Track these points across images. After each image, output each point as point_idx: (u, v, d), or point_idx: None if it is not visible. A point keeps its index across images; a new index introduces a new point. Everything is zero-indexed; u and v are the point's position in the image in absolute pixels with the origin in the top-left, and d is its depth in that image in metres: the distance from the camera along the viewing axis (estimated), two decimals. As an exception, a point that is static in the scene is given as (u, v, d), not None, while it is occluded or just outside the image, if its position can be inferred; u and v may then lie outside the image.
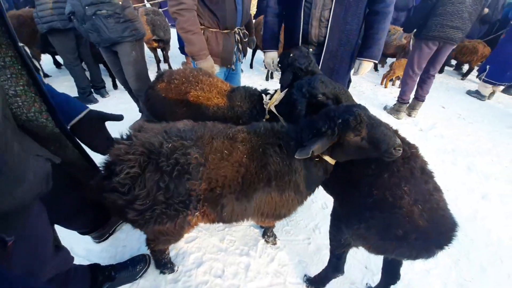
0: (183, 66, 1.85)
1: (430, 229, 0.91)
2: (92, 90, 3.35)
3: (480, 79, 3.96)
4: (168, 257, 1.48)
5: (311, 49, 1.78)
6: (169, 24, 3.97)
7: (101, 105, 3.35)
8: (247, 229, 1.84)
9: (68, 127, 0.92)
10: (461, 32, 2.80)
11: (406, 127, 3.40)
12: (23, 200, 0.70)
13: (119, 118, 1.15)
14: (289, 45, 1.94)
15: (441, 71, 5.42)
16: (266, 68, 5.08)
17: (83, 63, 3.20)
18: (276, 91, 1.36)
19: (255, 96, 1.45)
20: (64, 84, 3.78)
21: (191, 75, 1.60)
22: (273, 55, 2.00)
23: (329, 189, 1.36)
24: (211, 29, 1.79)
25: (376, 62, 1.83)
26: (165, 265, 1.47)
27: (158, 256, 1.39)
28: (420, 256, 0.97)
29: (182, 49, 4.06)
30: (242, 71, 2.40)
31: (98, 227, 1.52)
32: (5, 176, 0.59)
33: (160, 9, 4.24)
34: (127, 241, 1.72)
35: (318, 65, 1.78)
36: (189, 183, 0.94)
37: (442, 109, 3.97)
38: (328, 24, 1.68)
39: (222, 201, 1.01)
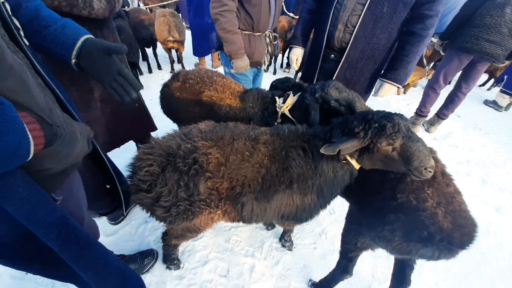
0: (197, 67, 1.90)
1: (453, 231, 0.94)
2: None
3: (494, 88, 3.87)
4: (177, 253, 1.51)
5: (332, 56, 1.75)
6: (185, 26, 4.06)
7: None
8: (253, 230, 1.85)
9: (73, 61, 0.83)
10: (499, 48, 2.57)
11: (420, 136, 3.32)
12: (78, 158, 0.77)
13: (121, 49, 0.86)
14: (314, 45, 1.91)
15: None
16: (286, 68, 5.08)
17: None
18: (289, 94, 1.37)
19: (268, 99, 1.46)
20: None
21: (205, 76, 1.64)
22: (298, 52, 1.95)
23: (347, 194, 1.34)
24: (245, 32, 1.90)
25: (400, 87, 1.66)
26: (173, 261, 1.50)
27: (169, 251, 1.43)
28: (443, 257, 0.98)
29: (195, 51, 4.15)
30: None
31: (115, 209, 1.62)
32: (63, 138, 0.65)
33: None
34: (136, 235, 1.76)
35: (332, 72, 1.75)
36: (210, 181, 0.97)
37: (458, 118, 3.86)
38: (353, 31, 1.58)
39: (242, 200, 1.03)
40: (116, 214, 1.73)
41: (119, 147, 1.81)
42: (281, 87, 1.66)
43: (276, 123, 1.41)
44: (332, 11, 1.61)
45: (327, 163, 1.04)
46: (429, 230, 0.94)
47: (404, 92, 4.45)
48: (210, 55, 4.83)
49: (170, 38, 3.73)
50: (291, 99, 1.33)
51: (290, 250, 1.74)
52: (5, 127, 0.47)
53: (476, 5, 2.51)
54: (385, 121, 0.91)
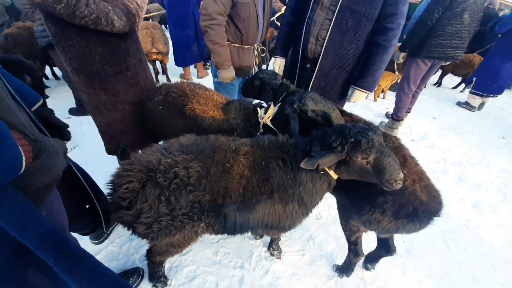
0: (181, 78, 1.93)
1: (430, 202, 1.11)
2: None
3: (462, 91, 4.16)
4: (164, 270, 1.47)
5: (308, 65, 1.86)
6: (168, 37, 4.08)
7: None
8: (241, 241, 1.84)
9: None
10: (461, 50, 2.90)
11: (400, 137, 3.47)
12: (58, 172, 0.81)
13: (63, 126, 1.20)
14: (292, 56, 2.03)
15: (439, 84, 5.59)
16: None
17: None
18: (269, 105, 1.41)
19: (250, 110, 1.50)
20: (63, 95, 3.81)
21: (188, 89, 1.65)
22: (280, 62, 2.09)
23: (335, 188, 1.38)
24: (234, 44, 2.01)
25: (369, 93, 1.80)
26: (159, 279, 1.46)
27: (155, 269, 1.39)
28: (422, 227, 1.14)
29: (177, 61, 4.16)
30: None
31: (96, 228, 1.61)
32: (47, 151, 0.70)
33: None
34: (120, 254, 1.71)
35: (310, 80, 1.84)
36: (192, 195, 0.97)
37: (433, 120, 4.07)
38: (323, 43, 1.70)
39: (224, 211, 1.04)
40: (98, 233, 1.68)
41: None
42: (267, 81, 1.69)
43: (258, 133, 1.44)
44: (304, 26, 1.74)
45: (306, 173, 1.07)
46: (413, 205, 1.09)
47: (383, 97, 4.65)
48: (194, 65, 4.86)
49: (154, 50, 3.73)
50: (272, 110, 1.37)
51: (279, 258, 1.74)
52: (3, 142, 0.51)
53: (435, 17, 2.70)
54: (360, 136, 0.97)
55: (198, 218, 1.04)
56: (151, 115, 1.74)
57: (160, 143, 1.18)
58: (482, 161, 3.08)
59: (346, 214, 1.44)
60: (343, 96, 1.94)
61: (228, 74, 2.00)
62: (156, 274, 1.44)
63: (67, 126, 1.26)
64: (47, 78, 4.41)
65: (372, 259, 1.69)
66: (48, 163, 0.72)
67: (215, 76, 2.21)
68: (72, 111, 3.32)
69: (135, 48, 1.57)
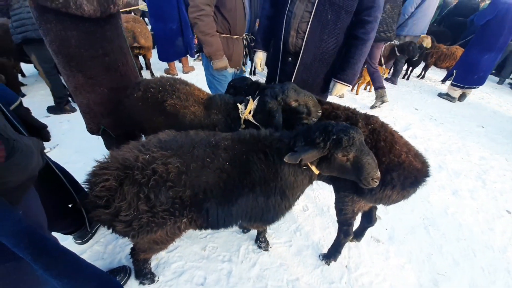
0: (166, 74, 1.91)
1: (423, 168, 1.24)
2: (70, 99, 3.26)
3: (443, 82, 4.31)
4: (150, 267, 1.46)
5: (290, 59, 1.85)
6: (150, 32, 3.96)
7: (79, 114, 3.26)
8: (229, 235, 1.85)
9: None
10: (388, 32, 3.69)
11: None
12: (34, 171, 0.81)
13: (41, 126, 1.20)
14: (273, 49, 2.01)
15: (423, 76, 5.73)
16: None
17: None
18: (248, 100, 1.40)
19: (230, 105, 1.49)
20: (40, 93, 3.65)
21: (167, 84, 1.62)
22: (261, 55, 2.05)
23: (338, 178, 1.40)
24: (222, 35, 2.00)
25: (350, 86, 1.82)
26: (146, 276, 1.46)
27: (140, 266, 1.39)
28: (416, 191, 1.27)
29: (160, 56, 4.05)
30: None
31: (80, 227, 1.60)
32: (20, 150, 0.70)
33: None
34: (106, 253, 1.68)
35: (292, 74, 1.84)
36: (172, 190, 0.97)
37: (415, 111, 4.19)
38: (304, 36, 1.69)
39: (206, 206, 1.04)
40: (82, 232, 1.65)
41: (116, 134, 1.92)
42: (239, 85, 1.78)
43: (240, 129, 1.43)
44: (285, 19, 1.72)
45: (289, 167, 1.09)
46: (414, 174, 1.19)
47: (369, 91, 4.73)
48: (179, 60, 4.75)
49: (136, 44, 3.62)
50: (251, 104, 1.37)
51: (267, 250, 1.77)
52: None
53: None
54: (342, 134, 1.00)
55: (180, 213, 1.04)
56: (130, 111, 1.70)
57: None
58: (462, 150, 3.21)
59: (348, 199, 1.43)
60: (325, 90, 1.96)
61: (222, 63, 2.01)
62: (142, 271, 1.43)
63: (45, 126, 1.26)
64: (23, 75, 4.21)
65: (358, 234, 1.84)
66: (22, 162, 0.72)
67: (207, 68, 2.20)
68: (51, 109, 3.19)
69: (115, 34, 1.61)
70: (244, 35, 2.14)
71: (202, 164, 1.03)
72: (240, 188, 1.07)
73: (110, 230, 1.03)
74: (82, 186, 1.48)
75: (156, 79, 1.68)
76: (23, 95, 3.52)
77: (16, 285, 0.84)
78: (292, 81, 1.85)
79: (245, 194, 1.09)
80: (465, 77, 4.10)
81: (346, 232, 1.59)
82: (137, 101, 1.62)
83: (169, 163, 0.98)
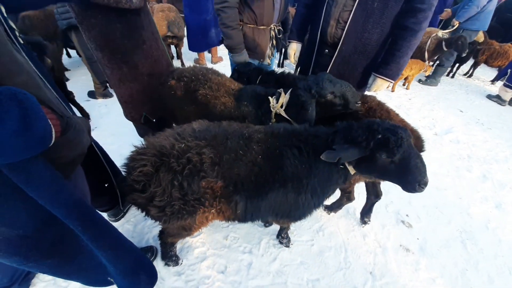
0: (194, 63, 1.94)
1: (418, 142, 1.31)
2: (108, 84, 3.46)
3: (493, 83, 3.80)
4: (175, 250, 1.53)
5: (326, 51, 1.74)
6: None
7: (116, 99, 3.45)
8: (250, 227, 1.86)
9: None
10: None
11: (420, 131, 3.29)
12: (84, 148, 0.86)
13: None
14: (309, 40, 1.92)
15: (470, 75, 5.18)
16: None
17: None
18: (280, 93, 1.35)
19: (261, 97, 1.45)
20: (82, 78, 3.93)
21: (200, 74, 1.63)
22: (295, 47, 1.95)
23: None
24: (249, 25, 1.98)
25: (392, 82, 1.64)
26: (171, 258, 1.53)
27: (167, 249, 1.45)
28: None
29: (192, 46, 4.11)
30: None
31: (114, 206, 1.72)
32: (74, 127, 0.74)
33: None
34: (135, 232, 1.79)
35: (328, 67, 1.74)
36: (205, 181, 0.98)
37: (460, 113, 3.81)
38: (345, 26, 1.57)
39: (235, 198, 1.04)
40: (116, 210, 1.77)
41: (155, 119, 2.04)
42: (242, 71, 1.80)
43: (271, 123, 1.40)
44: (325, 7, 1.61)
45: (324, 165, 1.04)
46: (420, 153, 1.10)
47: (407, 88, 4.38)
48: (209, 51, 4.78)
49: (169, 34, 3.69)
50: (283, 98, 1.32)
51: (288, 246, 1.75)
52: (35, 114, 0.53)
53: None
54: (389, 134, 0.91)
55: (210, 204, 1.05)
56: (164, 99, 1.75)
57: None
58: (509, 159, 2.86)
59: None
60: (362, 85, 1.82)
61: (241, 58, 1.98)
62: (168, 253, 1.50)
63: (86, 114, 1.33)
64: (69, 56, 4.57)
65: (366, 212, 1.91)
66: (75, 139, 0.76)
67: (231, 58, 2.19)
68: (91, 94, 3.42)
69: (147, 21, 1.63)
70: (272, 25, 2.06)
71: (235, 156, 1.03)
72: (271, 183, 1.05)
73: (144, 213, 1.07)
74: (118, 167, 1.59)
75: (189, 69, 1.70)
76: (67, 79, 3.82)
77: (60, 249, 0.91)
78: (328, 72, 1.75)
79: (276, 190, 1.07)
80: None
81: (348, 197, 1.79)
82: (170, 89, 1.66)
83: (203, 153, 0.99)
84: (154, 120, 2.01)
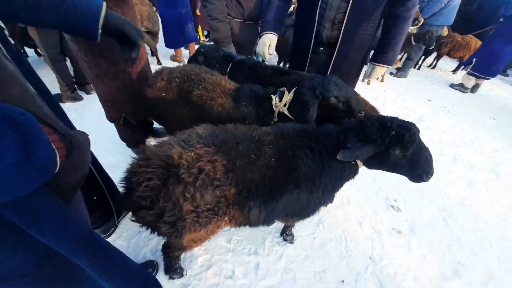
0: (172, 60, 1.85)
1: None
2: (76, 86, 3.14)
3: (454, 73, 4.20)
4: (180, 262, 1.45)
5: (321, 49, 1.76)
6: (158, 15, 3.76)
7: (87, 102, 3.15)
8: (253, 228, 1.84)
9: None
10: None
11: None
12: (87, 167, 0.75)
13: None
14: (301, 40, 1.85)
15: (434, 66, 5.62)
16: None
17: (67, 58, 2.97)
18: (282, 91, 1.33)
19: (261, 97, 1.42)
20: (45, 80, 3.48)
21: (193, 73, 1.54)
22: (272, 38, 1.73)
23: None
24: (236, 19, 1.92)
25: (390, 67, 1.74)
26: (175, 270, 1.45)
27: (171, 262, 1.37)
28: None
29: (168, 43, 3.89)
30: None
31: (106, 221, 1.60)
32: (78, 147, 0.63)
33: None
34: (130, 248, 1.66)
35: (328, 67, 1.77)
36: (219, 189, 0.92)
37: (428, 102, 4.14)
38: (341, 27, 1.61)
39: (249, 204, 1.00)
40: (107, 226, 1.62)
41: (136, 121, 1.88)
42: (210, 55, 1.72)
43: (273, 122, 1.38)
44: (318, 11, 1.62)
45: (337, 163, 1.04)
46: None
47: (381, 80, 4.64)
48: (186, 46, 4.58)
49: (143, 29, 3.44)
50: (287, 97, 1.30)
51: (292, 243, 1.77)
52: (36, 139, 0.42)
53: None
54: (404, 130, 0.94)
55: (223, 212, 1.01)
56: (153, 102, 1.62)
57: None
58: (475, 142, 3.20)
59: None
60: (357, 75, 1.91)
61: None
62: (173, 267, 1.42)
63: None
64: (27, 56, 4.04)
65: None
66: (80, 160, 0.65)
67: None
68: (58, 98, 3.07)
69: (131, 16, 1.52)
70: (259, 21, 2.04)
71: (248, 161, 0.99)
72: (286, 184, 1.03)
73: (152, 232, 0.99)
74: (110, 177, 1.45)
75: (179, 68, 1.60)
76: (26, 83, 3.38)
77: (61, 282, 0.81)
78: (329, 73, 1.77)
79: (290, 191, 1.05)
80: (485, 66, 4.02)
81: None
82: (160, 91, 1.54)
83: (216, 161, 0.93)
84: (134, 122, 1.86)
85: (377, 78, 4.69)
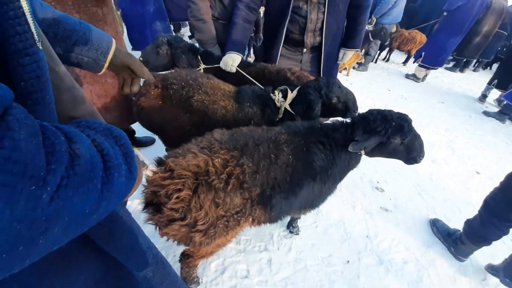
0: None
1: None
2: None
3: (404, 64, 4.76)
4: (197, 271, 1.43)
5: (304, 50, 1.90)
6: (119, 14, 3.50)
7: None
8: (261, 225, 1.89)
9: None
10: None
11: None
12: None
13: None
14: (271, 45, 1.97)
15: (388, 59, 6.25)
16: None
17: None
18: (282, 90, 1.40)
19: (264, 96, 1.46)
20: None
21: (190, 78, 1.51)
22: (235, 57, 1.72)
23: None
24: (220, 21, 1.91)
25: (358, 50, 2.05)
26: (193, 280, 1.42)
27: (190, 272, 1.34)
28: None
29: (135, 45, 3.65)
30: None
31: None
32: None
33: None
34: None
35: (315, 66, 1.94)
36: (247, 191, 0.94)
37: (388, 92, 4.63)
38: (322, 34, 1.81)
39: (272, 202, 1.04)
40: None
41: None
42: (175, 44, 1.74)
43: (278, 119, 1.44)
44: (298, 25, 1.78)
45: (345, 154, 1.15)
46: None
47: (347, 75, 5.03)
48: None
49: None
50: (291, 94, 1.37)
51: (298, 234, 1.86)
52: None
53: None
54: (402, 121, 1.10)
55: (249, 213, 1.04)
56: (148, 112, 1.55)
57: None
58: (431, 124, 3.70)
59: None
60: (335, 60, 2.14)
61: (214, 52, 1.92)
62: (191, 276, 1.39)
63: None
64: None
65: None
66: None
67: None
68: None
69: (111, 17, 1.47)
70: None
71: (269, 160, 1.03)
72: (304, 179, 1.11)
73: (183, 244, 0.98)
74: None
75: (173, 74, 1.55)
76: None
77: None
78: (321, 71, 1.92)
79: (307, 184, 1.13)
80: (433, 58, 4.62)
81: None
82: (156, 99, 1.49)
83: (243, 164, 0.96)
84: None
85: (345, 69, 5.10)
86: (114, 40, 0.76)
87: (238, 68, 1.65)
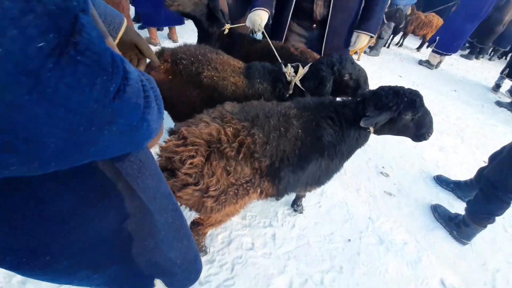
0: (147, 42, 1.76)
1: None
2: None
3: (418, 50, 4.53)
4: (205, 240, 1.50)
5: (314, 25, 1.81)
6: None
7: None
8: (264, 203, 1.94)
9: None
10: None
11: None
12: None
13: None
14: (280, 17, 1.89)
15: (401, 44, 6.00)
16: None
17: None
18: (298, 65, 1.38)
19: (275, 72, 1.45)
20: None
21: (199, 54, 1.50)
22: (264, 16, 1.66)
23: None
24: None
25: (374, 36, 1.82)
26: (201, 248, 1.50)
27: (199, 240, 1.41)
28: None
29: (145, 20, 3.57)
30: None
31: None
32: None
33: None
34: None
35: (322, 43, 1.83)
36: (257, 161, 0.97)
37: (400, 78, 4.50)
38: (330, 4, 1.67)
39: (280, 174, 1.07)
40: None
41: None
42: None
43: (288, 95, 1.43)
44: None
45: (355, 130, 1.15)
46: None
47: (358, 59, 4.87)
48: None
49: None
50: (302, 70, 1.36)
51: (301, 213, 1.91)
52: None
53: None
54: (415, 96, 1.08)
55: (258, 184, 1.07)
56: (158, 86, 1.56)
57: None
58: (442, 112, 3.62)
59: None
60: (347, 45, 1.97)
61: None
62: (200, 244, 1.47)
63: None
64: None
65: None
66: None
67: None
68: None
69: None
70: None
71: (279, 133, 1.05)
72: (312, 153, 1.12)
73: (194, 209, 1.03)
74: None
75: (182, 48, 1.54)
76: None
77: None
78: (323, 49, 1.84)
79: (315, 159, 1.15)
80: (447, 43, 4.42)
81: None
82: (166, 74, 1.49)
83: (254, 134, 0.98)
84: None
85: (356, 53, 4.93)
86: (125, 19, 0.77)
87: (264, 32, 1.58)
